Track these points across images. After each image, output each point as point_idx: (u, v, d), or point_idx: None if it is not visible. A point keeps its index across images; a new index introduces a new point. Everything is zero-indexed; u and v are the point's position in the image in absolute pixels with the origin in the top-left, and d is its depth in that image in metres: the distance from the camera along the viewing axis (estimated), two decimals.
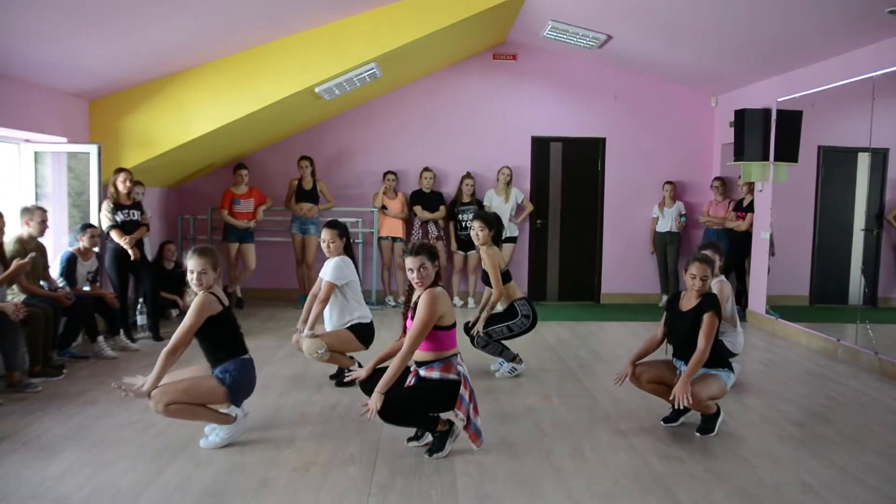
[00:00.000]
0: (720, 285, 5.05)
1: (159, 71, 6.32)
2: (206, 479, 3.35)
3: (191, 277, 3.73)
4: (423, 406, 3.63)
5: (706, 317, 3.95)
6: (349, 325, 4.90)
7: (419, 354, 3.66)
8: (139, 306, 6.48)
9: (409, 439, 3.84)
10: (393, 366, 3.56)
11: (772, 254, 7.63)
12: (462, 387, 3.61)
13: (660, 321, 4.33)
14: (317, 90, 6.66)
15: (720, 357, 4.13)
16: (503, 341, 5.32)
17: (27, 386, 4.67)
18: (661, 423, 4.23)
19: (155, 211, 7.83)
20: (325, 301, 4.81)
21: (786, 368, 5.79)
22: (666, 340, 4.26)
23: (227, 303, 3.83)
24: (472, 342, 5.32)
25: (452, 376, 3.62)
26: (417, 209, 8.32)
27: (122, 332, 5.98)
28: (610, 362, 5.83)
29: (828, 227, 7.84)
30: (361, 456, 3.67)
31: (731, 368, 4.13)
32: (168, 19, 5.36)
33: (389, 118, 8.72)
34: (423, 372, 3.67)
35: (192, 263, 3.73)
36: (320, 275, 4.97)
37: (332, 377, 5.10)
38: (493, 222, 5.33)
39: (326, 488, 3.27)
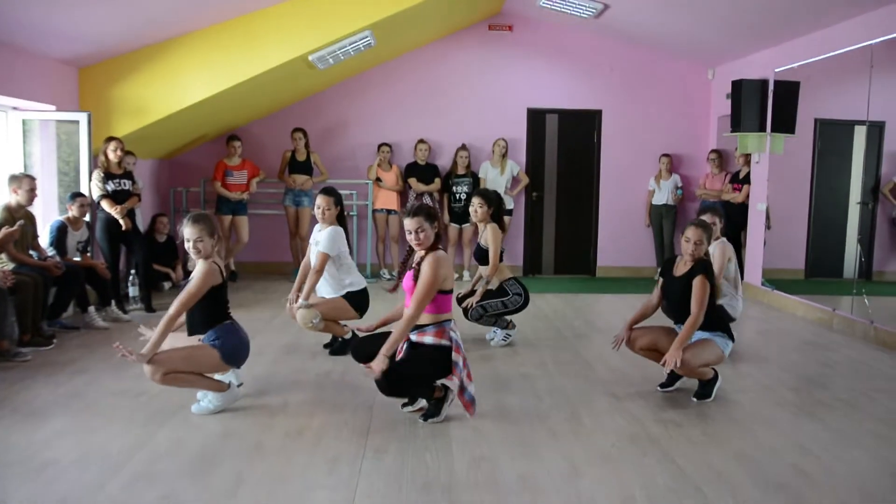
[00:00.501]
0: (722, 247, 5.01)
1: (151, 38, 6.20)
2: (197, 443, 3.31)
3: (188, 246, 3.62)
4: (418, 375, 3.58)
5: (696, 281, 3.90)
6: (343, 293, 4.84)
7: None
8: (131, 278, 6.40)
9: (404, 405, 3.81)
10: (398, 329, 3.51)
11: (768, 227, 7.59)
12: (454, 352, 3.56)
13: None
14: (310, 58, 6.56)
15: (720, 321, 4.09)
16: (497, 315, 5.29)
17: (16, 355, 4.61)
18: (658, 388, 4.21)
19: (147, 183, 7.73)
20: (320, 272, 4.74)
21: (781, 337, 5.77)
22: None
23: (226, 275, 3.77)
24: (466, 315, 5.28)
25: (444, 342, 3.58)
26: (412, 181, 8.24)
27: (113, 302, 5.91)
28: (606, 332, 5.79)
29: (824, 201, 7.80)
30: (355, 421, 3.64)
31: (730, 335, 4.09)
32: None
33: (384, 90, 8.61)
34: (414, 337, 3.62)
35: (187, 232, 3.62)
36: (310, 243, 4.90)
37: (325, 346, 5.06)
38: (492, 199, 5.25)
39: (320, 452, 3.23)
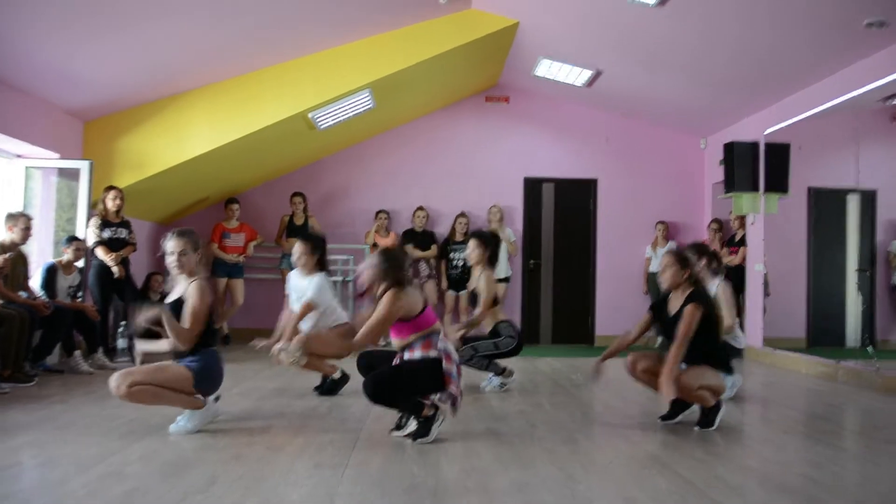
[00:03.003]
0: (722, 287, 4.91)
1: (154, 93, 6.39)
2: (172, 453, 3.14)
3: (171, 261, 3.55)
4: (408, 385, 3.45)
5: (686, 308, 3.76)
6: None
7: (398, 342, 3.54)
8: (121, 329, 6.29)
9: (392, 430, 3.63)
10: (341, 344, 3.65)
11: (766, 294, 7.53)
12: (446, 361, 3.44)
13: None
14: (310, 116, 6.73)
15: (721, 360, 3.90)
16: (489, 357, 5.13)
17: None
18: (659, 419, 4.03)
19: (144, 246, 7.73)
20: (300, 319, 4.59)
21: (786, 387, 5.59)
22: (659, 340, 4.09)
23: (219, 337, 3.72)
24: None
25: (433, 353, 3.46)
26: (409, 247, 8.25)
27: (100, 350, 5.78)
28: (604, 383, 5.62)
29: (822, 268, 7.80)
30: (341, 440, 3.45)
31: (730, 372, 3.94)
32: (166, 39, 5.47)
33: (383, 159, 8.79)
34: (406, 355, 3.51)
35: (170, 245, 3.55)
36: (288, 291, 4.76)
37: (315, 388, 4.88)
38: (489, 241, 5.22)
39: (302, 461, 3.05)
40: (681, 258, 3.94)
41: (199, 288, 3.50)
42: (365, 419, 3.92)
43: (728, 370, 3.91)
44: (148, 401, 3.45)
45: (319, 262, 4.74)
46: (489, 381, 5.17)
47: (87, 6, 4.72)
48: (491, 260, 5.23)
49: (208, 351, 3.59)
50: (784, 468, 3.07)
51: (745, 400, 4.82)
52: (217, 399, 3.73)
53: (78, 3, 4.65)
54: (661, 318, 4.03)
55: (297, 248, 4.72)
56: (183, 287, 3.57)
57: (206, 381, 3.57)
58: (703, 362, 3.81)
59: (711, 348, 3.84)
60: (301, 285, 4.72)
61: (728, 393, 4.30)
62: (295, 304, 4.73)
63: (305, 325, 4.72)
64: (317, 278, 4.66)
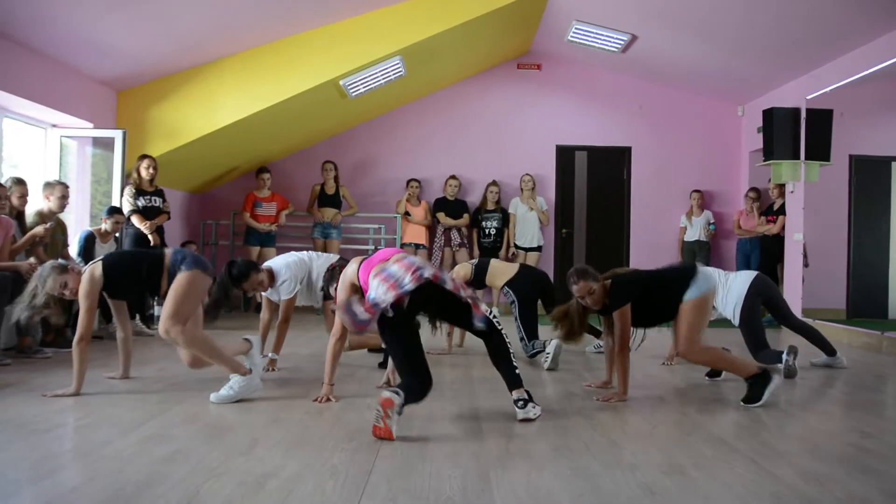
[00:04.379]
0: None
1: (185, 62, 6.37)
2: (212, 416, 3.16)
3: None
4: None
5: (615, 315, 3.64)
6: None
7: None
8: (157, 297, 6.34)
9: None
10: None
11: (805, 265, 7.35)
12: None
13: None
14: (341, 83, 6.66)
15: (680, 280, 3.66)
16: (528, 327, 4.98)
17: (37, 352, 4.55)
18: (706, 378, 4.00)
19: (178, 215, 7.80)
20: (287, 319, 4.44)
21: None
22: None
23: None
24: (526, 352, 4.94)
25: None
26: (441, 216, 8.20)
27: (137, 316, 5.85)
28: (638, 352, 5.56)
29: (863, 239, 7.59)
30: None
31: (686, 279, 3.64)
32: (197, 7, 5.42)
33: (414, 128, 8.71)
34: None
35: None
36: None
37: (379, 364, 4.55)
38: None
39: (340, 426, 3.05)
40: (591, 276, 3.74)
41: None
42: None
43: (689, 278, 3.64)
44: (200, 348, 3.49)
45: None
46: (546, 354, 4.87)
47: None
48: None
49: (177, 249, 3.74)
50: (833, 437, 3.00)
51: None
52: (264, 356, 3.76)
53: None
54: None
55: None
56: None
57: (197, 259, 3.66)
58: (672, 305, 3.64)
59: (663, 296, 3.67)
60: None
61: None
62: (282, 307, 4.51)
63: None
64: (281, 275, 4.36)
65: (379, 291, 2.94)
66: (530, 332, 4.97)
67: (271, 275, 4.36)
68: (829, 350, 4.78)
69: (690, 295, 3.59)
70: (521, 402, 3.17)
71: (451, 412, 3.33)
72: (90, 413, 3.16)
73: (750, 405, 3.50)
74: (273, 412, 3.27)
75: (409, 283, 2.94)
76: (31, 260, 4.50)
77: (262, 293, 4.49)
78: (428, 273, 3.01)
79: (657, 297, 3.69)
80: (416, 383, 3.01)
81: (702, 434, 3.00)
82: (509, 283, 5.11)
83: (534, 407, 3.19)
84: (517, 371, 3.22)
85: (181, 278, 3.52)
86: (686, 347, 3.57)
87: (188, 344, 3.47)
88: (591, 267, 3.81)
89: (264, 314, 4.56)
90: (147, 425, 2.95)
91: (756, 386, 3.55)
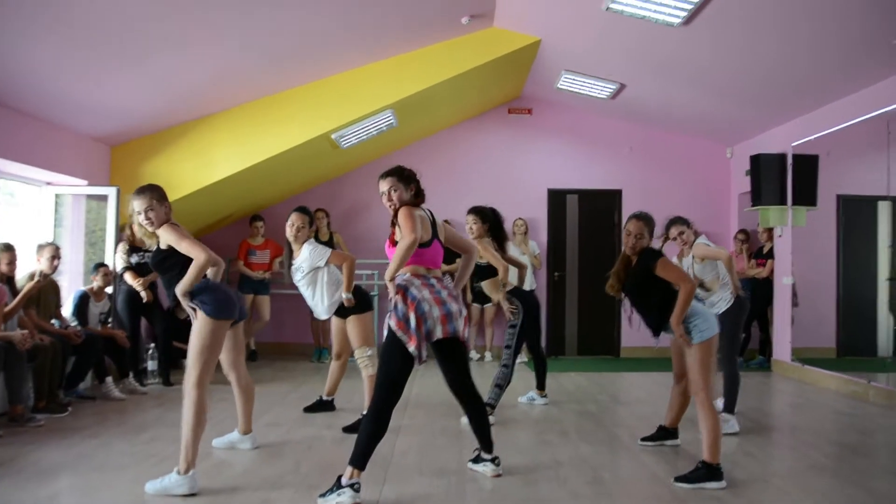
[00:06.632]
0: (703, 245, 4.73)
1: (180, 117, 6.46)
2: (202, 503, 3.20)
3: (139, 219, 3.44)
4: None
5: (659, 268, 3.60)
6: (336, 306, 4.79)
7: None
8: (150, 351, 6.40)
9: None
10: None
11: (795, 304, 7.43)
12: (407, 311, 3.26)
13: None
14: (333, 136, 6.76)
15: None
16: (516, 346, 5.07)
17: (29, 420, 4.57)
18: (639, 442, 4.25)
19: None
20: (347, 259, 4.73)
21: (815, 409, 5.52)
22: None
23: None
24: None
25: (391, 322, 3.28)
26: None
27: (131, 374, 5.88)
28: (630, 405, 5.62)
29: (852, 277, 7.66)
30: (368, 476, 3.46)
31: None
32: (190, 64, 5.53)
33: None
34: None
35: (136, 204, 3.41)
36: (305, 260, 4.76)
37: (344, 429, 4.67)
38: (488, 215, 5.09)
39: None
40: (650, 225, 3.79)
41: (169, 227, 3.41)
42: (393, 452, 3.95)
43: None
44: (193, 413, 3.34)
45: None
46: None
47: (112, 41, 4.78)
48: (495, 233, 5.17)
49: (202, 283, 3.41)
50: None
51: (773, 427, 4.79)
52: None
53: (102, 39, 4.71)
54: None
55: (295, 219, 4.77)
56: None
57: (224, 306, 3.42)
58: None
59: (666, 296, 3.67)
60: (310, 259, 4.73)
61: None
62: (304, 285, 4.79)
63: (326, 302, 4.80)
64: (309, 244, 4.76)
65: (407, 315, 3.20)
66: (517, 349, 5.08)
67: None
68: (730, 407, 4.67)
69: (700, 337, 3.57)
70: (496, 460, 3.57)
71: (442, 492, 3.37)
72: (80, 499, 3.19)
73: (681, 483, 3.45)
74: (263, 492, 3.31)
75: (438, 331, 3.25)
76: (24, 331, 4.54)
77: None
78: (454, 328, 3.27)
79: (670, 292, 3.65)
80: (374, 427, 3.18)
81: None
82: (519, 294, 5.16)
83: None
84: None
85: (200, 324, 3.39)
86: (703, 392, 3.51)
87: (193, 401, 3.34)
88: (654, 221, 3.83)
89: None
90: None
91: (700, 473, 3.47)
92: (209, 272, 3.46)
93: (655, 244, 3.94)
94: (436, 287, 3.31)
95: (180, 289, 3.33)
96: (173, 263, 3.44)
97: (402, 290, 3.29)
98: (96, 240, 6.42)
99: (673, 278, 3.60)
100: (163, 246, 3.46)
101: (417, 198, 3.51)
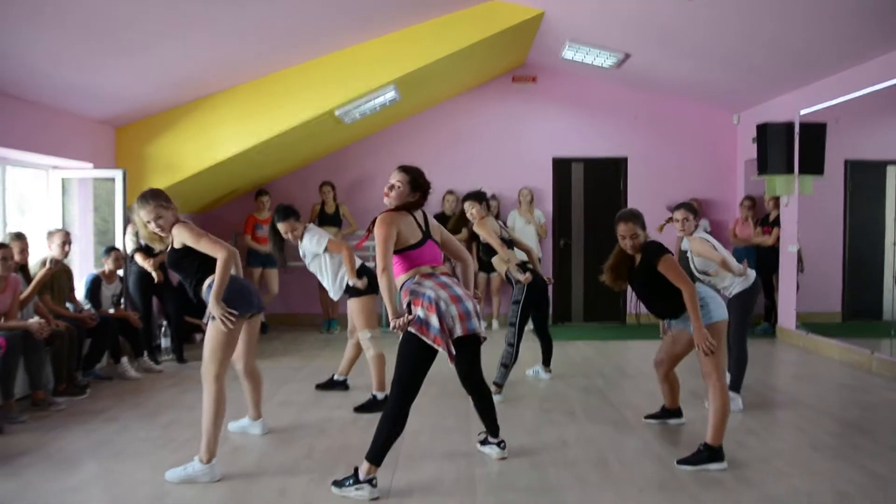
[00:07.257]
0: (700, 240, 4.70)
1: (184, 97, 6.45)
2: (222, 491, 3.32)
3: (150, 227, 3.45)
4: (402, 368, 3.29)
5: (661, 266, 3.62)
6: (344, 288, 4.92)
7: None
8: (163, 329, 6.52)
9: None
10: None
11: (801, 270, 7.46)
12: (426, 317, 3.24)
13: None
14: (337, 113, 6.74)
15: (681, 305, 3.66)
16: (520, 324, 5.13)
17: (51, 405, 4.70)
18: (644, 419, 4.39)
19: None
20: (345, 247, 4.83)
21: (818, 382, 5.61)
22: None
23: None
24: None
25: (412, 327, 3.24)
26: None
27: (145, 353, 6.01)
28: (636, 378, 5.72)
29: (858, 242, 7.67)
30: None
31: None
32: (191, 47, 5.49)
33: (410, 143, 8.78)
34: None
35: (143, 214, 3.43)
36: (307, 249, 4.95)
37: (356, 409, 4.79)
38: (482, 197, 5.17)
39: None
40: (640, 221, 3.77)
41: (182, 227, 3.43)
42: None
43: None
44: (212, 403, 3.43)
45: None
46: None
47: (113, 27, 4.76)
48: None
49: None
50: (810, 502, 3.14)
51: (776, 402, 4.88)
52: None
53: (103, 25, 4.68)
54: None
55: (284, 227, 4.91)
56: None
57: (239, 299, 3.48)
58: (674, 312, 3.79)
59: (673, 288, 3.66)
60: (309, 247, 4.92)
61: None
62: (318, 267, 5.00)
63: (332, 288, 4.99)
64: (312, 231, 4.95)
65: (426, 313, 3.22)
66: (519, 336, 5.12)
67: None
68: (736, 385, 4.66)
69: (712, 318, 3.66)
70: (502, 444, 3.72)
71: (452, 476, 3.48)
72: (106, 489, 3.31)
73: (683, 466, 3.54)
74: (279, 480, 3.43)
75: (458, 329, 3.26)
76: (41, 320, 4.64)
77: None
78: (473, 326, 3.29)
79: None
80: (392, 426, 3.22)
81: (684, 499, 3.15)
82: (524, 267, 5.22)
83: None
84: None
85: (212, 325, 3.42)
86: (716, 374, 3.56)
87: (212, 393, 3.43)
88: (641, 215, 3.81)
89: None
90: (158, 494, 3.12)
91: (702, 455, 3.56)
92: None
93: (655, 236, 3.95)
94: (449, 285, 3.32)
95: (215, 294, 3.32)
96: (191, 261, 3.49)
97: (416, 297, 3.26)
98: (107, 228, 6.47)
99: (672, 278, 3.62)
100: (177, 245, 3.49)
101: (417, 200, 3.46)
